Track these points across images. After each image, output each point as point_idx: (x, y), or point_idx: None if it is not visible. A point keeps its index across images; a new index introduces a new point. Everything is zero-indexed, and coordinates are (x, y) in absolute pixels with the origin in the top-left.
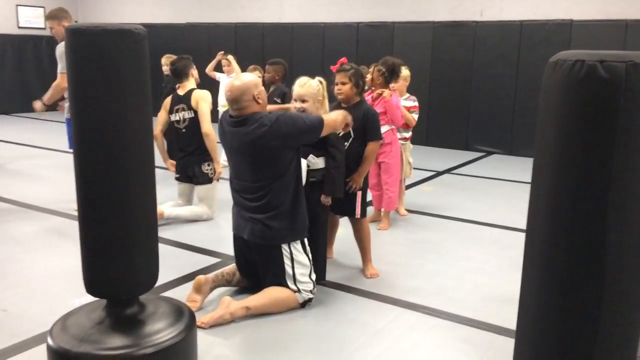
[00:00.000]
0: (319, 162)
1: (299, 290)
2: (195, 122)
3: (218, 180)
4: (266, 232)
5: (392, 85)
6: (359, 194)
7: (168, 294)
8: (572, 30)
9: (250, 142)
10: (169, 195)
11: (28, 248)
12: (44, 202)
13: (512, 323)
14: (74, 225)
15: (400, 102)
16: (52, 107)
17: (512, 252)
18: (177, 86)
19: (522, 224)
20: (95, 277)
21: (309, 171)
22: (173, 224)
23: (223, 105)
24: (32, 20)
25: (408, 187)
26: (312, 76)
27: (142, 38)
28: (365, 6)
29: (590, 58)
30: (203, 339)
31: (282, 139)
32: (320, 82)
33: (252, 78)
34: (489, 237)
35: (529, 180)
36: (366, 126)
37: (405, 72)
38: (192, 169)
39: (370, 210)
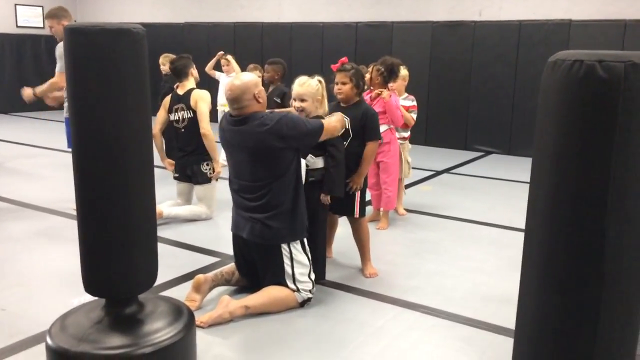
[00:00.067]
0: (318, 162)
1: (298, 290)
2: (194, 122)
3: (217, 180)
4: (265, 232)
5: (390, 84)
6: (358, 193)
7: (167, 293)
8: (571, 30)
9: (250, 141)
10: (168, 194)
11: (27, 247)
12: (43, 202)
13: (511, 322)
14: (73, 225)
15: (399, 101)
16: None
17: (511, 251)
18: (176, 85)
19: (521, 223)
20: (94, 277)
21: (308, 171)
22: (172, 223)
23: (222, 105)
24: (31, 19)
25: (407, 186)
26: (312, 75)
27: (141, 37)
28: (364, 6)
29: (589, 58)
30: (202, 338)
31: (283, 139)
32: (320, 82)
33: (252, 77)
34: (488, 236)
35: (528, 180)
36: (365, 126)
37: (403, 71)
38: (191, 168)
39: (369, 209)
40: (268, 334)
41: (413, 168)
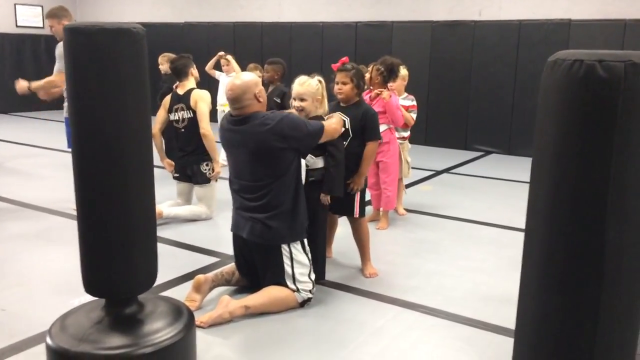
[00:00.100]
0: (318, 162)
1: (298, 290)
2: (194, 122)
3: (217, 180)
4: (265, 232)
5: (390, 84)
6: (358, 193)
7: (167, 293)
8: (570, 30)
9: (251, 141)
10: (167, 194)
11: (27, 247)
12: (43, 202)
13: (511, 322)
14: (73, 225)
15: (399, 101)
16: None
17: (510, 251)
18: (175, 86)
19: (521, 223)
20: (94, 277)
21: (308, 170)
22: (172, 223)
23: (222, 105)
24: (30, 19)
25: (407, 186)
26: (312, 75)
27: (140, 37)
28: (364, 5)
29: (589, 57)
30: (202, 338)
31: (283, 139)
32: (320, 82)
33: (252, 77)
34: (488, 236)
35: (528, 180)
36: (365, 126)
37: (403, 71)
38: (191, 168)
39: (369, 209)
40: (268, 334)
41: (413, 168)
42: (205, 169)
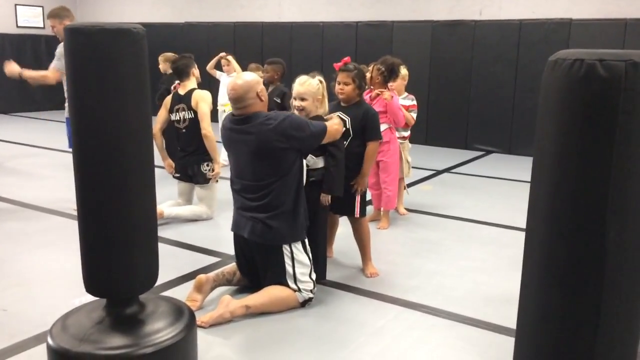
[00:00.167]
0: (318, 162)
1: (299, 290)
2: (195, 122)
3: (217, 181)
4: (266, 232)
5: (390, 84)
6: (357, 193)
7: (168, 293)
8: (571, 29)
9: (253, 140)
10: (168, 194)
11: (27, 248)
12: (44, 202)
13: (511, 322)
14: (74, 225)
15: (399, 101)
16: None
17: (511, 251)
18: (173, 86)
19: (522, 222)
20: (95, 277)
21: (309, 171)
22: (173, 223)
23: (222, 105)
24: (31, 19)
25: (407, 186)
26: (312, 75)
27: (141, 37)
28: (364, 5)
29: (590, 57)
30: (203, 338)
31: (286, 139)
32: (320, 82)
33: (253, 76)
34: (489, 236)
35: (528, 179)
36: (366, 126)
37: (403, 71)
38: (192, 168)
39: (369, 209)
40: (269, 334)
41: (413, 167)
42: (206, 169)
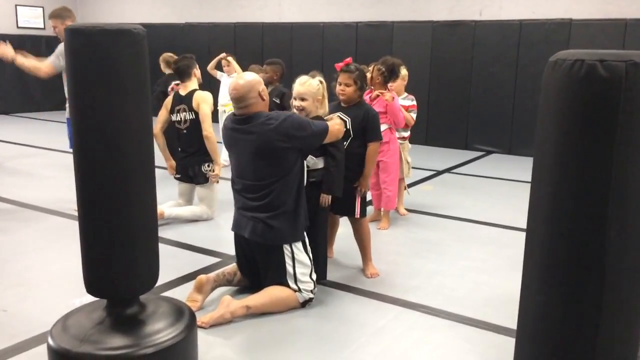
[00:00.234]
0: (318, 162)
1: (299, 290)
2: (196, 123)
3: (217, 182)
4: (267, 232)
5: (390, 84)
6: (357, 193)
7: (168, 293)
8: (571, 30)
9: (254, 140)
10: (169, 195)
11: (28, 248)
12: (44, 202)
13: (512, 322)
14: (74, 225)
15: (399, 102)
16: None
17: (511, 251)
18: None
19: (522, 223)
20: (95, 277)
21: (309, 171)
22: (173, 223)
23: (223, 105)
24: (31, 20)
25: (408, 186)
26: (313, 75)
27: (141, 38)
28: (364, 6)
29: (590, 57)
30: (203, 338)
31: (287, 139)
32: (321, 82)
33: (255, 76)
34: (489, 236)
35: (529, 180)
36: (366, 127)
37: (403, 71)
38: (193, 169)
39: (369, 209)
40: (269, 334)
41: (414, 168)
42: (207, 169)
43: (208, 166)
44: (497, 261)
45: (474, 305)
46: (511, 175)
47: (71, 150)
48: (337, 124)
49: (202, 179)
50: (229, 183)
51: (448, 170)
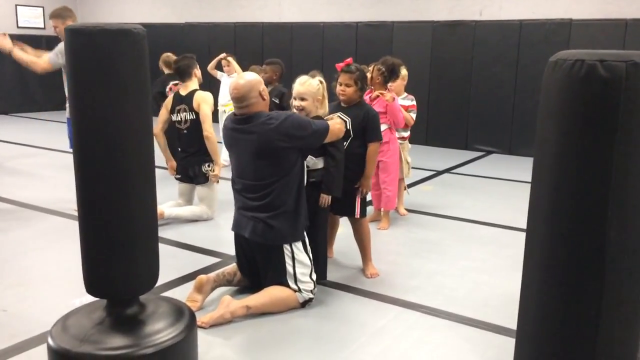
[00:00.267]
0: (318, 163)
1: (299, 290)
2: (196, 123)
3: (217, 182)
4: (267, 232)
5: (390, 84)
6: (358, 193)
7: (168, 293)
8: (571, 30)
9: (255, 140)
10: (169, 195)
11: (28, 248)
12: (44, 202)
13: (512, 322)
14: (74, 225)
15: (399, 101)
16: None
17: (511, 251)
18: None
19: (522, 223)
20: (95, 277)
21: (309, 171)
22: (173, 224)
23: (223, 105)
24: (31, 20)
25: (408, 186)
26: (313, 75)
27: (141, 38)
28: (364, 6)
29: (591, 57)
30: (203, 338)
31: (287, 139)
32: (321, 82)
33: (255, 76)
34: (489, 236)
35: (529, 180)
36: (367, 127)
37: (403, 71)
38: (193, 169)
39: (369, 209)
40: (269, 334)
41: (414, 168)
42: (207, 170)
43: (208, 166)
44: (497, 261)
45: (474, 305)
46: (511, 175)
47: (71, 150)
48: (337, 123)
49: (202, 179)
50: (229, 183)
51: (448, 170)
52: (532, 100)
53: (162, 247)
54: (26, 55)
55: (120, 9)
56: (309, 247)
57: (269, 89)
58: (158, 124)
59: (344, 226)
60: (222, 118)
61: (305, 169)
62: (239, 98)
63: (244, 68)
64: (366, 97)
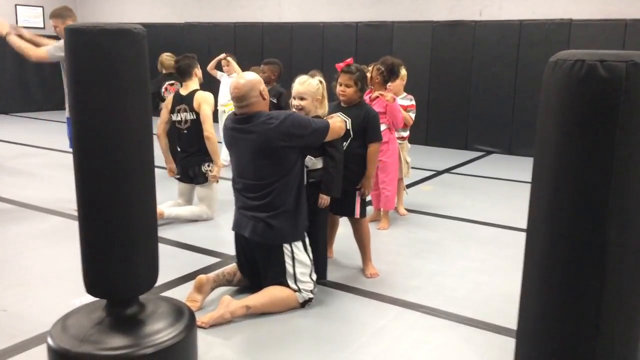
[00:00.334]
0: (317, 163)
1: (299, 290)
2: (196, 123)
3: (217, 181)
4: (267, 231)
5: (389, 84)
6: (358, 193)
7: (168, 293)
8: (571, 30)
9: (255, 139)
10: (169, 194)
11: (28, 248)
12: (44, 202)
13: (512, 322)
14: (74, 225)
15: (398, 101)
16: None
17: (511, 251)
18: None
19: (522, 223)
20: (95, 277)
21: (308, 172)
22: (173, 223)
23: (223, 105)
24: (31, 20)
25: (407, 186)
26: (313, 75)
27: (141, 38)
28: (364, 6)
29: (591, 58)
30: (203, 338)
31: (288, 138)
32: (321, 82)
33: (255, 76)
34: (489, 236)
35: (529, 180)
36: (367, 127)
37: (402, 71)
38: (193, 169)
39: (369, 210)
40: (269, 334)
41: (413, 168)
42: (207, 169)
43: (208, 166)
44: (497, 261)
45: (474, 305)
46: (511, 175)
47: (71, 150)
48: (338, 121)
49: (202, 179)
50: (229, 183)
51: (448, 170)
52: (532, 101)
53: (161, 247)
54: (21, 42)
55: (120, 8)
56: (309, 247)
57: (267, 88)
58: (160, 124)
59: (344, 226)
60: (222, 118)
61: (305, 169)
62: (240, 97)
63: (244, 68)
64: (366, 97)
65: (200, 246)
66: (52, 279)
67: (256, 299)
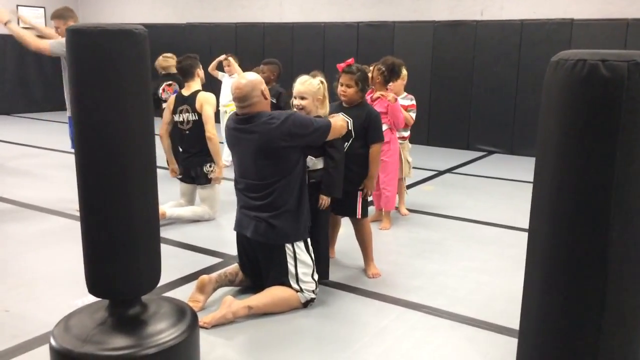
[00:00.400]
0: (318, 163)
1: (301, 290)
2: (199, 124)
3: (220, 182)
4: (269, 231)
5: (390, 84)
6: (360, 193)
7: (170, 294)
8: (572, 30)
9: (257, 139)
10: (170, 195)
11: (30, 248)
12: (46, 203)
13: (514, 322)
14: (76, 226)
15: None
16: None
17: (513, 251)
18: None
19: (524, 223)
20: (97, 278)
21: (309, 172)
22: (175, 224)
23: (224, 105)
24: (32, 20)
25: (409, 186)
26: (313, 75)
27: (142, 38)
28: (365, 6)
29: (592, 57)
30: (205, 339)
31: (289, 138)
32: (322, 82)
33: (257, 76)
34: (491, 236)
35: (530, 180)
36: (368, 127)
37: (403, 71)
38: (195, 170)
39: (371, 210)
40: (271, 334)
41: (415, 168)
42: (208, 170)
43: (210, 166)
44: (499, 261)
45: (476, 305)
46: (513, 175)
47: (73, 150)
48: (340, 120)
49: (204, 180)
50: (231, 183)
51: (449, 170)
52: (533, 100)
53: (164, 247)
54: (24, 31)
55: (122, 9)
56: (310, 247)
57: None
58: (162, 125)
59: (346, 226)
60: (224, 118)
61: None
62: (241, 98)
63: (245, 68)
64: (367, 98)
65: (202, 246)
66: (54, 280)
67: (258, 299)
